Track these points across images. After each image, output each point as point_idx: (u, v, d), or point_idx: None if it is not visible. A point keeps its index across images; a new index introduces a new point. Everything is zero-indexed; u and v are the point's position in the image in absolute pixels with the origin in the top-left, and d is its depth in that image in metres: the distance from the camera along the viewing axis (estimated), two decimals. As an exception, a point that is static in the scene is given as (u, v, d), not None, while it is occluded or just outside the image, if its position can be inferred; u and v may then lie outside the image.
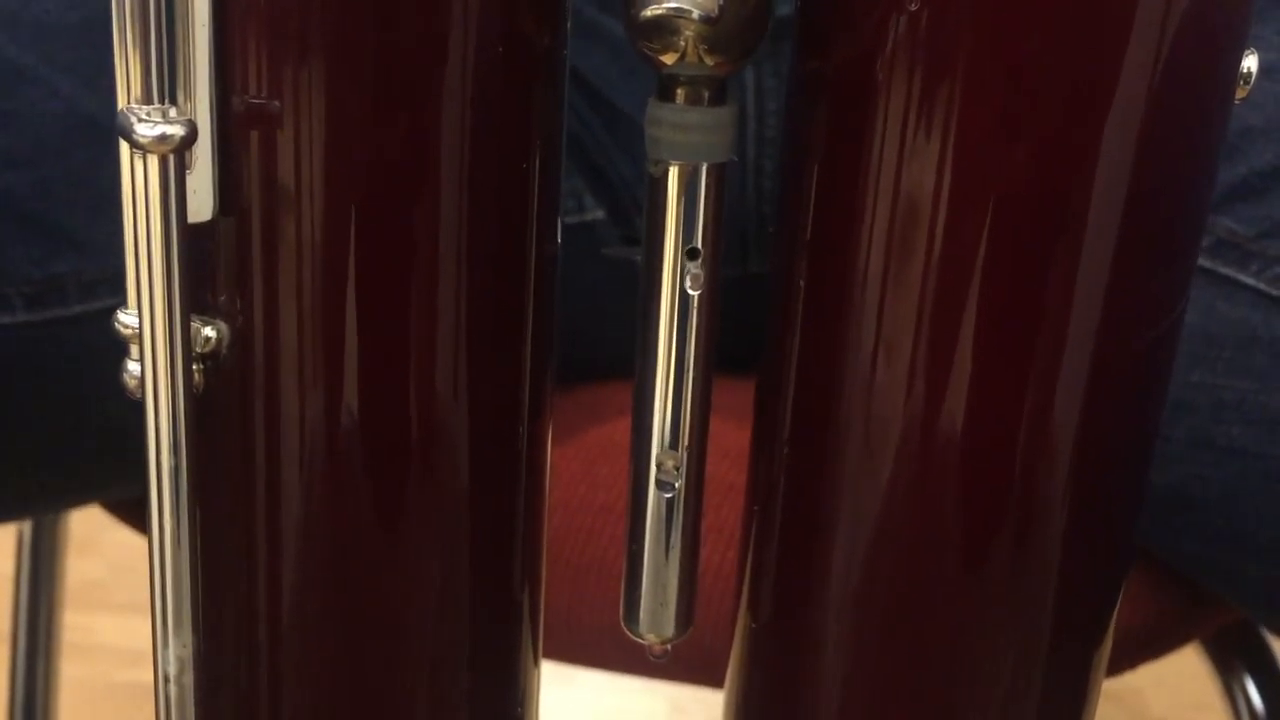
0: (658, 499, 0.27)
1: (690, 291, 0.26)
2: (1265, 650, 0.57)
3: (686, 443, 0.27)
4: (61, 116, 0.45)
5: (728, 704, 0.30)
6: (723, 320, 0.35)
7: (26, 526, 0.70)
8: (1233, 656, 0.57)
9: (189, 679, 0.24)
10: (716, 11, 0.22)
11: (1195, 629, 0.55)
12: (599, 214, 0.56)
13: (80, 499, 0.54)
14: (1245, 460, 0.45)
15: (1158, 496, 0.47)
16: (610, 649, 0.53)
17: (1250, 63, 0.25)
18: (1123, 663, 0.53)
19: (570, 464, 0.53)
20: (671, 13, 0.23)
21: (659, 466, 0.27)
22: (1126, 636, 0.51)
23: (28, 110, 0.45)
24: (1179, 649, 0.54)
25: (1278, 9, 0.49)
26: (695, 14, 0.22)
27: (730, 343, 0.30)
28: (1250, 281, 0.45)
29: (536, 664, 0.30)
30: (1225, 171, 0.47)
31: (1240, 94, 0.25)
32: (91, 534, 0.73)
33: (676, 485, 0.27)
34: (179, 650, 0.24)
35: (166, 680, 0.24)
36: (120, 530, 0.56)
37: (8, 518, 0.55)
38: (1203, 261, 0.46)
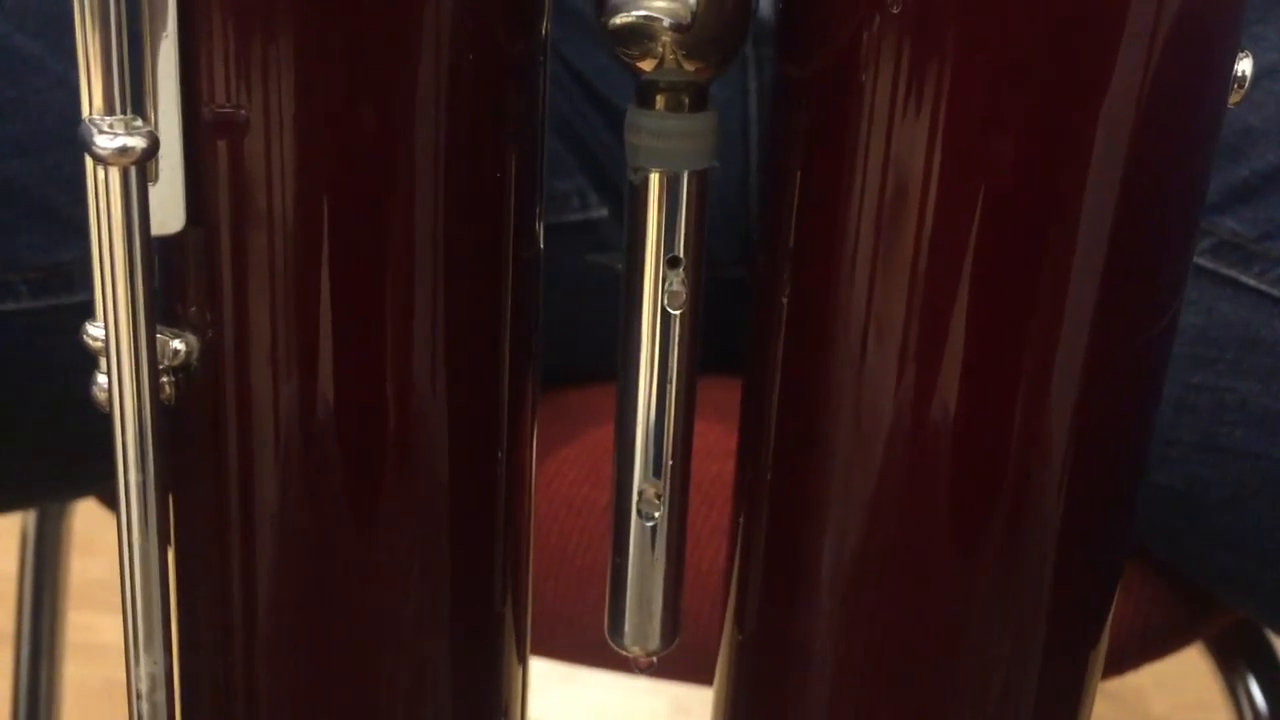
0: (640, 525, 0.27)
1: (671, 311, 0.25)
2: (1268, 650, 0.56)
3: (670, 465, 0.27)
4: (68, 106, 0.46)
5: (716, 705, 0.30)
6: (726, 322, 0.34)
7: (30, 525, 0.70)
8: (1236, 656, 0.56)
9: (160, 696, 0.24)
10: (689, 19, 0.22)
11: (1198, 630, 0.54)
12: (603, 212, 0.56)
13: (87, 488, 0.54)
14: (1248, 462, 0.45)
15: (1160, 498, 0.46)
16: (614, 650, 0.53)
17: (1245, 66, 0.25)
18: (1125, 663, 0.53)
19: (575, 465, 0.53)
20: (641, 20, 0.22)
21: (640, 495, 0.27)
22: (1129, 637, 0.51)
23: (35, 99, 0.45)
24: (1181, 649, 0.54)
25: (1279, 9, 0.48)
26: (666, 22, 0.22)
27: (735, 344, 0.30)
28: (1252, 283, 0.45)
29: (522, 662, 0.30)
30: (1227, 173, 0.46)
31: (1234, 98, 0.25)
32: (94, 533, 0.73)
33: (657, 515, 0.27)
34: (150, 668, 0.24)
35: (139, 697, 0.24)
36: (122, 530, 0.56)
37: (14, 507, 0.56)
38: (1205, 263, 0.46)
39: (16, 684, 0.71)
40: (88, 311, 0.45)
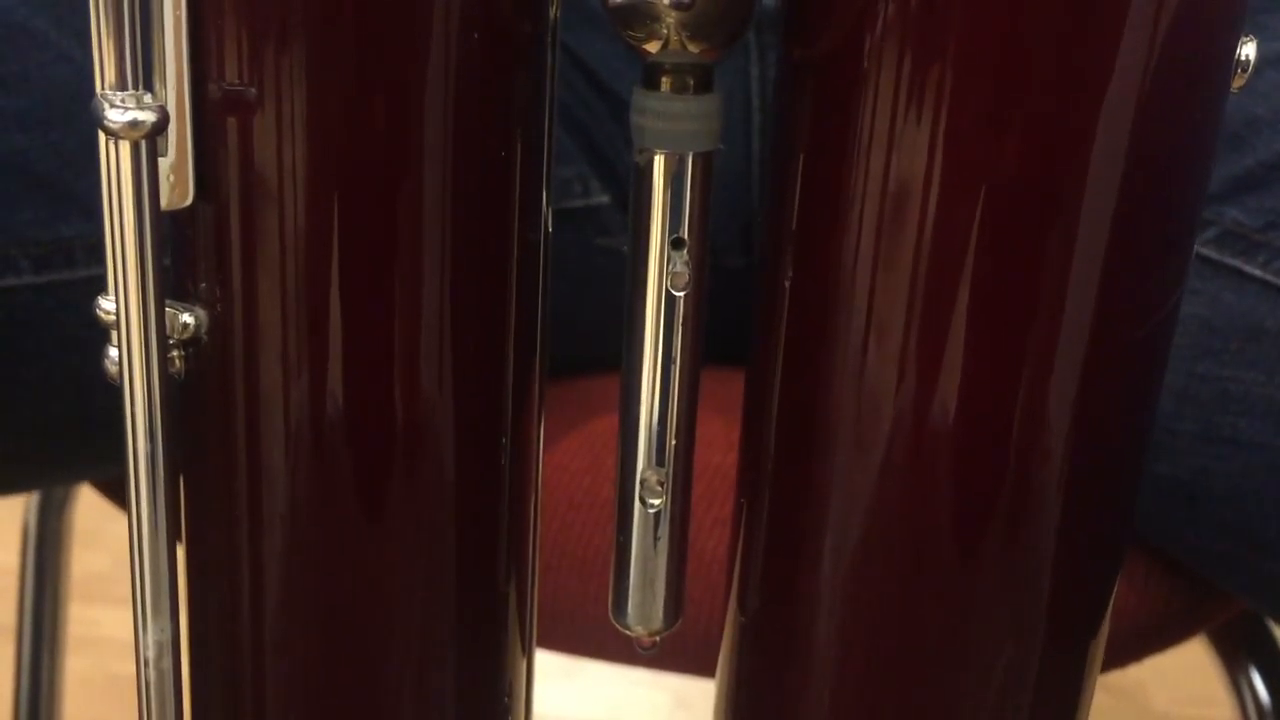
0: (643, 512, 0.27)
1: (675, 292, 0.25)
2: (1271, 643, 0.56)
3: (673, 447, 0.27)
4: (72, 81, 0.45)
5: (719, 696, 0.30)
6: (728, 312, 0.34)
7: (31, 519, 0.70)
8: (1238, 649, 0.56)
9: (168, 663, 0.24)
10: (689, -3, 0.22)
11: (1200, 621, 0.54)
12: (604, 199, 0.56)
13: (88, 468, 0.54)
14: (1251, 452, 0.44)
15: (1162, 489, 0.46)
16: (615, 641, 0.53)
17: (1248, 50, 0.24)
18: (1126, 656, 0.53)
19: (576, 456, 0.53)
20: (643, -1, 0.22)
21: (643, 483, 0.27)
22: (1130, 629, 0.51)
23: (38, 74, 0.45)
24: (1184, 642, 0.54)
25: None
26: (668, 1, 0.22)
27: (736, 335, 0.30)
28: (1257, 273, 0.45)
29: (526, 654, 0.30)
30: (1231, 163, 0.46)
31: (1238, 82, 0.25)
32: (96, 526, 0.73)
33: (659, 502, 0.27)
34: (158, 635, 0.24)
35: (146, 664, 0.24)
36: (124, 522, 0.56)
37: (15, 487, 0.55)
38: (1209, 253, 0.46)
39: (18, 678, 0.71)
40: (89, 288, 0.45)
